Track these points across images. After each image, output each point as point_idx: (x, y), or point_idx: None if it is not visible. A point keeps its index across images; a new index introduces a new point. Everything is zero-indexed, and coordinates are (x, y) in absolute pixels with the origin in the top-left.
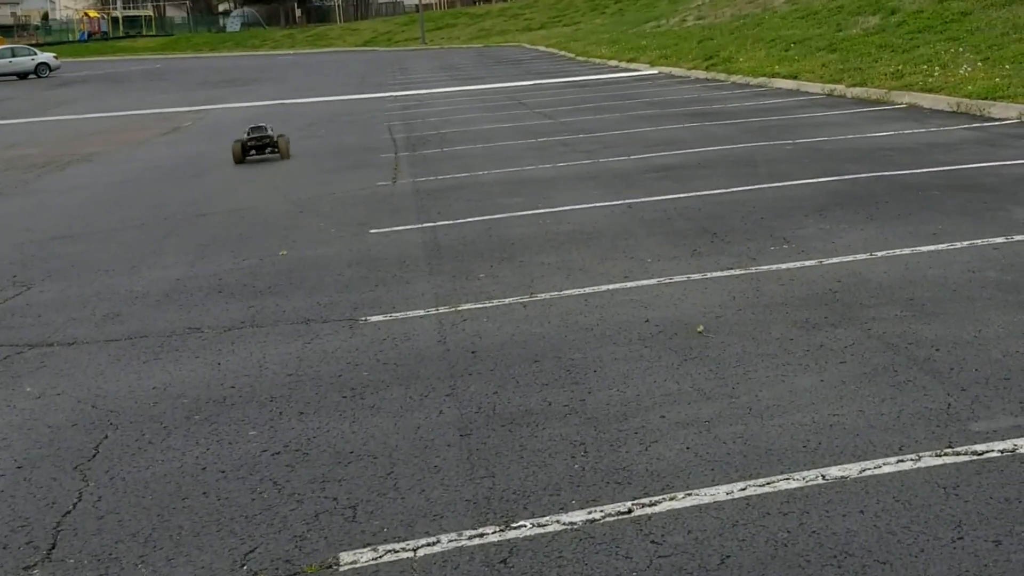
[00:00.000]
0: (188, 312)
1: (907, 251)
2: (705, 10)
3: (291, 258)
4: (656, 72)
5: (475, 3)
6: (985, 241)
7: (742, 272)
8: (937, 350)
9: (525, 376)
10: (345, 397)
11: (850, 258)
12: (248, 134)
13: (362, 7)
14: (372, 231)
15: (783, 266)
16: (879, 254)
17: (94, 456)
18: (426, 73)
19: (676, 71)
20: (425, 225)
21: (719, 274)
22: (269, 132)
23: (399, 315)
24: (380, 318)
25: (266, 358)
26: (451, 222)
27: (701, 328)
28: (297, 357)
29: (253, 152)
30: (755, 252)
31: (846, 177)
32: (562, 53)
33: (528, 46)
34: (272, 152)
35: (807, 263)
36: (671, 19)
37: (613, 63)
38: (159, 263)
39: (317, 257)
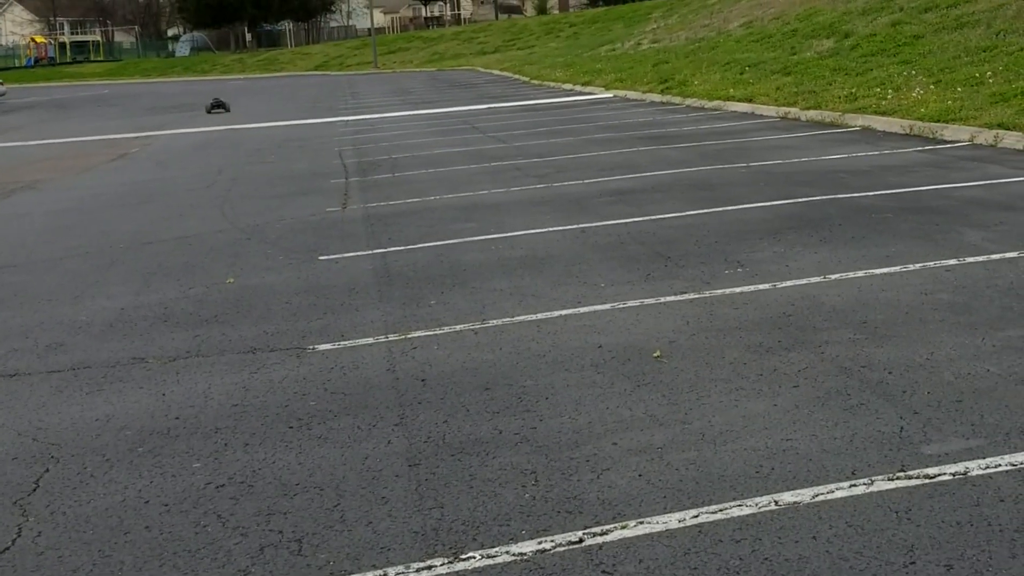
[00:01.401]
0: (133, 342)
1: (860, 274)
2: (660, 33)
3: (238, 286)
4: (611, 96)
5: (429, 27)
6: (937, 263)
7: (696, 296)
8: (890, 373)
9: (476, 404)
10: (292, 428)
11: (804, 281)
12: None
13: (313, 31)
14: (321, 258)
15: (737, 290)
16: (832, 277)
17: (34, 490)
18: (378, 97)
19: (631, 94)
20: (375, 251)
21: (673, 298)
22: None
23: (348, 343)
24: (328, 347)
25: (212, 388)
26: (402, 248)
27: (658, 353)
28: (243, 387)
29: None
30: (709, 276)
31: (800, 200)
32: (516, 77)
33: (482, 70)
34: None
35: (761, 287)
36: (626, 43)
37: (568, 87)
38: (104, 292)
39: (265, 285)
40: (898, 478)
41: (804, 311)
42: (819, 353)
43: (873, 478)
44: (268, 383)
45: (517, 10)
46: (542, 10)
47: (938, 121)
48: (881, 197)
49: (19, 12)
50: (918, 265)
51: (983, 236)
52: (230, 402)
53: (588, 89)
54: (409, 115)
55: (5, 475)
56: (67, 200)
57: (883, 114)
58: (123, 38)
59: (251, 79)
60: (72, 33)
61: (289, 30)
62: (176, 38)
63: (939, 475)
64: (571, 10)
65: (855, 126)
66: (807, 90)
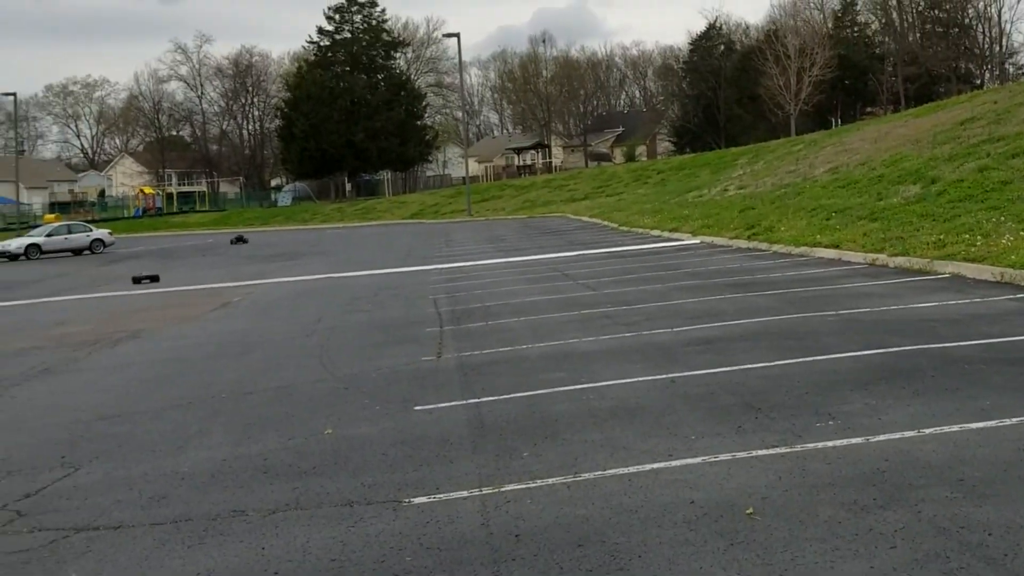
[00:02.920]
0: (233, 494)
1: (955, 428)
2: (746, 179)
3: (336, 437)
4: (698, 242)
5: (521, 175)
6: None
7: (788, 450)
8: (990, 534)
9: (569, 562)
10: None
11: (897, 435)
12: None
13: (410, 181)
14: (417, 408)
15: (829, 444)
16: (927, 431)
17: None
18: (471, 245)
19: (718, 240)
20: (469, 401)
21: (764, 452)
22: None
23: (443, 496)
24: (423, 499)
25: (310, 543)
26: (495, 398)
27: (751, 511)
28: (341, 541)
29: None
30: (800, 429)
31: (891, 350)
32: (605, 223)
33: (572, 216)
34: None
35: (853, 440)
36: (713, 189)
37: (655, 233)
38: (205, 443)
39: (362, 436)
40: None
41: (898, 467)
42: (915, 512)
43: None
44: (365, 537)
45: (606, 158)
46: (630, 157)
47: None
48: (974, 347)
49: (129, 164)
50: (1015, 419)
51: None
52: (328, 556)
53: (675, 235)
54: (501, 262)
55: None
56: (170, 349)
57: (973, 261)
58: (228, 188)
59: (350, 227)
60: (179, 184)
61: (387, 179)
62: (279, 188)
63: None
64: (659, 157)
65: (944, 273)
66: (894, 236)
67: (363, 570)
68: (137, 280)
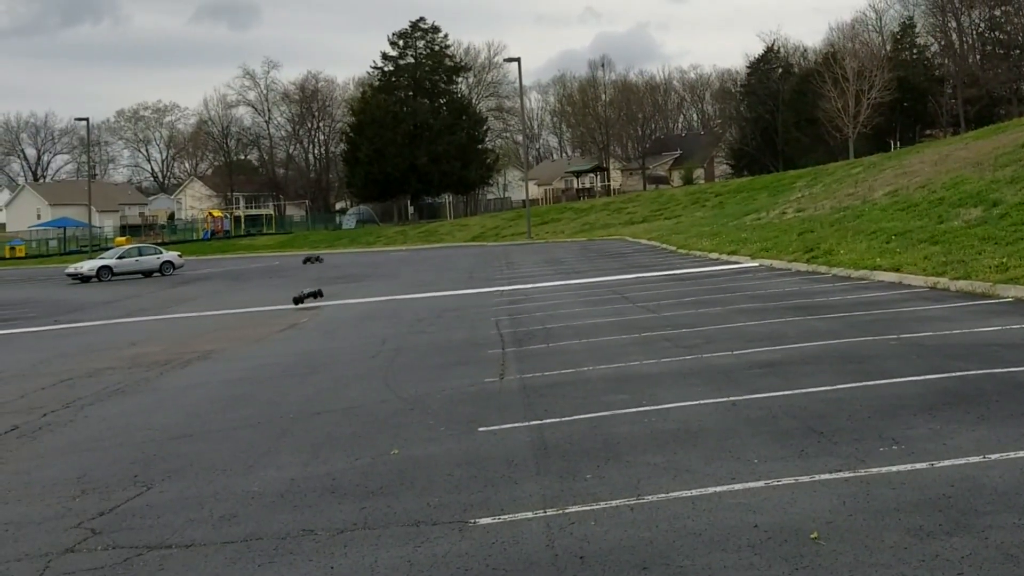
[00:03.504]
0: (302, 513)
1: (1022, 453)
2: (805, 202)
3: (402, 457)
4: (757, 264)
5: (580, 198)
6: None
7: (851, 475)
8: None
9: None
10: None
11: (962, 461)
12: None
13: (471, 203)
14: (480, 429)
15: (893, 468)
16: (992, 457)
17: None
18: (532, 267)
19: (776, 263)
20: (532, 423)
21: (828, 476)
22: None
23: (507, 517)
24: (489, 520)
25: (378, 562)
26: (558, 420)
27: (815, 535)
28: (408, 561)
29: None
30: (864, 453)
31: (954, 374)
32: (664, 246)
33: (631, 239)
34: None
35: (918, 466)
36: (771, 212)
37: (714, 256)
38: (274, 463)
39: (427, 456)
40: None
41: (964, 493)
42: (983, 539)
43: None
44: (432, 558)
45: (664, 180)
46: (688, 180)
47: None
48: None
49: (199, 188)
50: None
51: None
52: None
53: (734, 258)
54: (561, 285)
55: None
56: (239, 370)
57: None
58: (294, 211)
59: (412, 250)
60: (247, 207)
61: (449, 202)
62: (343, 211)
63: None
64: (717, 180)
65: (1007, 297)
66: (956, 260)
67: None
68: (299, 300)
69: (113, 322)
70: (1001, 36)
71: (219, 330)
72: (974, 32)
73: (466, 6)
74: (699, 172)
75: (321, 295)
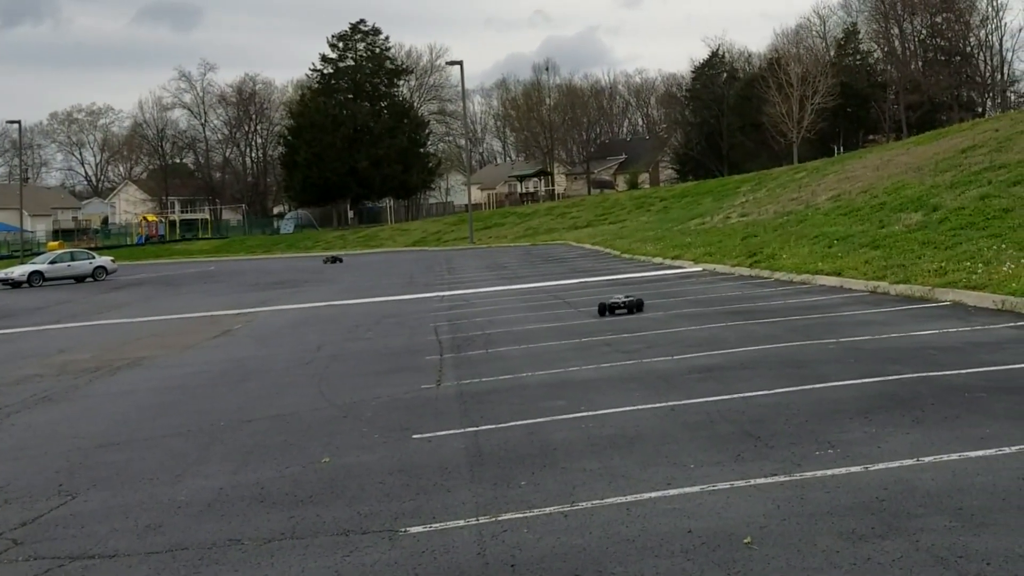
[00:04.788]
0: (229, 523)
1: (955, 456)
2: (749, 207)
3: (333, 466)
4: (700, 269)
5: (523, 203)
6: None
7: (787, 479)
8: (988, 564)
9: None
10: None
11: (896, 464)
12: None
13: (413, 208)
14: (415, 436)
15: (828, 472)
16: (926, 460)
17: None
18: (473, 272)
19: (720, 268)
20: (468, 430)
21: (763, 480)
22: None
23: (439, 525)
24: (420, 529)
25: (305, 572)
26: (494, 426)
27: (748, 540)
28: (336, 571)
29: None
30: (799, 457)
31: (891, 378)
32: (607, 251)
33: (575, 244)
34: None
35: (852, 469)
36: (715, 216)
37: (657, 260)
38: (203, 471)
39: (359, 464)
40: None
41: (897, 496)
42: (914, 542)
43: None
44: (360, 567)
45: (609, 185)
46: (633, 185)
47: None
48: (974, 375)
49: (133, 192)
50: (1014, 448)
51: None
52: None
53: (678, 263)
54: (502, 290)
55: None
56: (170, 377)
57: (974, 289)
58: (230, 216)
59: (352, 255)
60: (182, 211)
61: (390, 207)
62: (281, 215)
63: None
64: (661, 185)
65: (945, 301)
66: (896, 264)
67: None
68: (328, 261)
69: (42, 328)
70: (942, 43)
71: (150, 337)
72: (916, 39)
73: (413, 10)
74: (644, 177)
75: (341, 260)
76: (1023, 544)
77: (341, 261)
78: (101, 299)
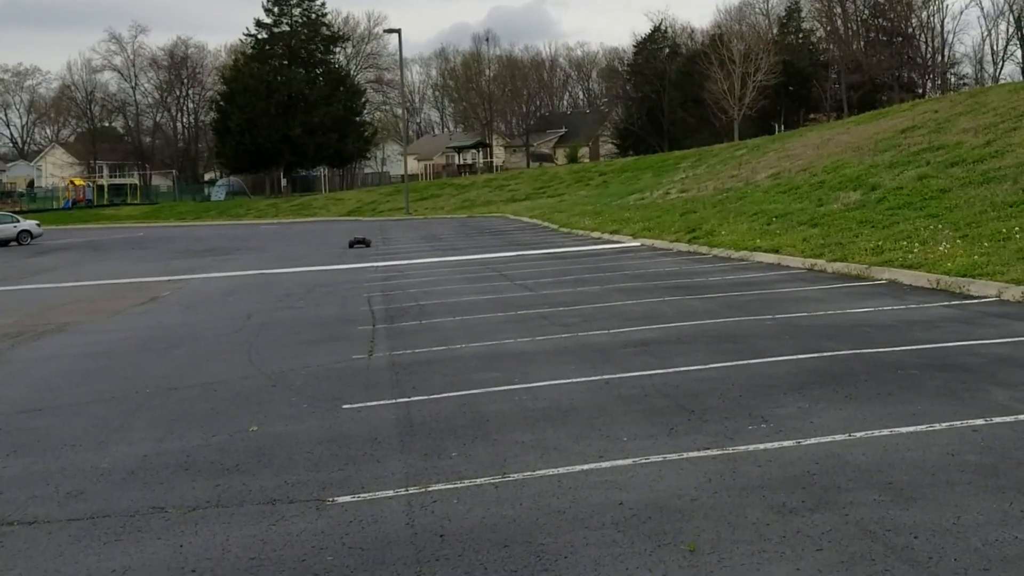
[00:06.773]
0: (153, 491)
1: (886, 432)
2: (689, 183)
3: (261, 434)
4: (639, 244)
5: (461, 174)
6: (964, 423)
7: (719, 452)
8: (916, 537)
9: (494, 562)
10: None
11: (828, 439)
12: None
13: (348, 177)
14: (345, 406)
15: (760, 446)
16: (857, 435)
17: None
18: (409, 243)
19: (658, 243)
20: (399, 400)
21: (696, 454)
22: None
23: (367, 495)
24: (348, 499)
25: (230, 540)
26: (425, 397)
27: (692, 547)
28: (261, 540)
29: None
30: (732, 432)
31: (825, 354)
32: (545, 224)
33: (512, 217)
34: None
35: (785, 443)
36: (655, 192)
37: (596, 235)
38: (127, 439)
39: (287, 433)
40: None
41: (828, 470)
42: (843, 515)
43: None
44: (286, 536)
45: (548, 158)
46: (573, 159)
47: (965, 276)
48: (907, 353)
49: (60, 155)
50: (944, 424)
51: (1011, 395)
52: (247, 555)
53: (616, 238)
54: (438, 261)
55: None
56: (95, 344)
57: (909, 268)
58: (160, 181)
59: (284, 224)
60: (111, 176)
61: (324, 176)
62: (212, 182)
63: None
64: (601, 159)
65: (881, 279)
66: (834, 242)
67: (283, 569)
68: (352, 244)
69: None
70: (884, 23)
71: (76, 302)
72: (858, 19)
73: None
74: (584, 151)
75: (369, 243)
76: (949, 518)
77: (368, 244)
78: (25, 264)
